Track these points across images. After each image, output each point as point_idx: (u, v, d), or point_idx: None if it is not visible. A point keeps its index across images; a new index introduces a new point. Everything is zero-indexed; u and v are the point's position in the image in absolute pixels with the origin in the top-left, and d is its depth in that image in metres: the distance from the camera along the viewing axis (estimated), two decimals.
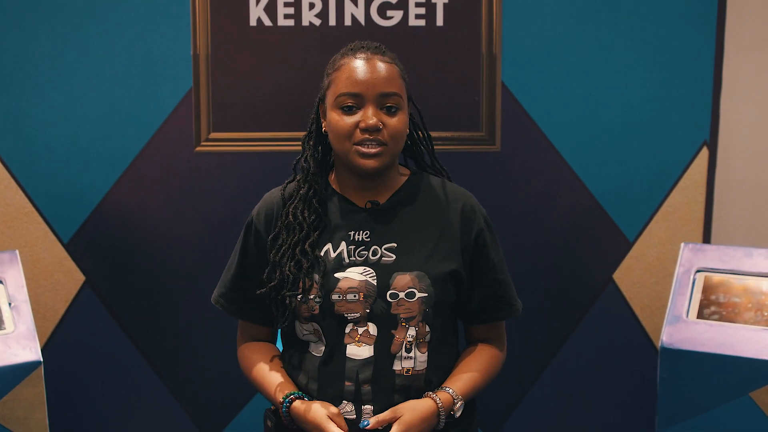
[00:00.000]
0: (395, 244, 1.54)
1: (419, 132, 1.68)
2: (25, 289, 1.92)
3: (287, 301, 1.54)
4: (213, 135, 2.15)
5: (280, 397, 1.53)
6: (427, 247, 1.55)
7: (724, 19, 2.14)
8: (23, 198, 2.17)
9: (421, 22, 2.10)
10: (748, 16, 2.18)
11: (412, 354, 1.52)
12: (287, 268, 1.53)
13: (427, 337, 1.53)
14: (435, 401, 1.50)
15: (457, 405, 1.52)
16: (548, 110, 2.16)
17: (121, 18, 2.10)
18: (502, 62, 2.13)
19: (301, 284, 1.52)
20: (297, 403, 1.51)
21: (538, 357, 2.27)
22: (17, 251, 2.01)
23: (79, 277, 2.21)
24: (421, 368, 1.53)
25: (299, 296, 1.52)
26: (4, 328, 1.83)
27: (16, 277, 1.94)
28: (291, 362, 1.60)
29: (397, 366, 1.51)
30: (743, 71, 2.20)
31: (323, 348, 1.53)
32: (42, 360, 1.78)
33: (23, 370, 1.76)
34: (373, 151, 1.50)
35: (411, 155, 1.70)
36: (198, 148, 2.15)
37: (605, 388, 2.28)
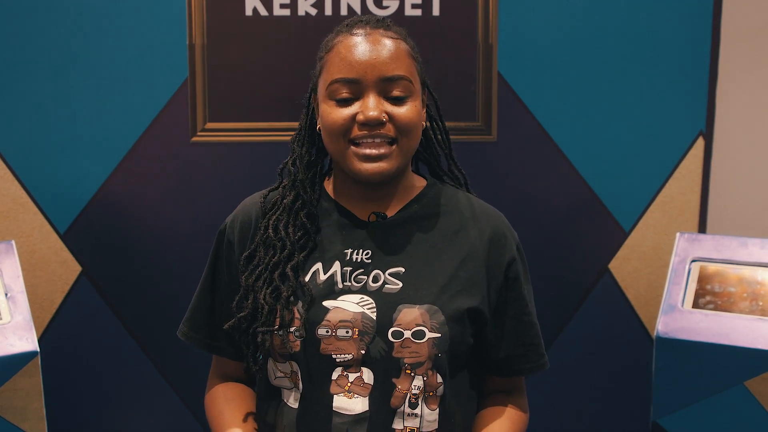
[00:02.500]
0: (402, 269, 1.22)
1: (435, 124, 1.37)
2: (21, 279, 1.92)
3: (259, 339, 1.21)
4: (209, 125, 2.14)
5: None
6: (443, 276, 1.22)
7: (720, 10, 2.13)
8: (19, 188, 2.16)
9: (418, 12, 2.10)
10: (745, 6, 2.18)
11: (418, 411, 1.19)
12: (262, 296, 1.20)
13: (439, 390, 1.20)
14: None
15: None
16: (544, 100, 2.15)
17: (116, 8, 2.09)
18: (498, 52, 2.13)
19: (278, 318, 1.20)
20: None
21: None
22: (13, 242, 2.01)
23: (76, 268, 2.21)
24: (430, 429, 1.21)
25: (276, 329, 1.19)
26: (1, 319, 1.83)
27: (12, 267, 1.94)
28: (264, 417, 1.27)
29: (398, 425, 1.19)
30: (739, 62, 2.20)
31: (300, 396, 1.21)
32: (39, 350, 1.79)
33: (20, 360, 1.76)
34: (376, 152, 1.19)
35: (424, 159, 1.37)
36: (194, 139, 2.15)
37: (601, 378, 2.29)
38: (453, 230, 1.27)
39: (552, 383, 2.29)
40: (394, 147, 1.20)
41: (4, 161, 2.15)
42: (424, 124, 1.31)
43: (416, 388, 1.19)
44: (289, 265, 1.22)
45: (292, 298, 1.20)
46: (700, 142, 2.19)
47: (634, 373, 2.26)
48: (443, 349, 1.19)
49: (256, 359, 1.24)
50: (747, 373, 1.75)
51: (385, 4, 2.09)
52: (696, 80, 2.16)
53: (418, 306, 1.19)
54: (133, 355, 2.25)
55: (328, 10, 2.09)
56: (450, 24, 2.11)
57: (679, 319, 1.84)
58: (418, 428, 1.19)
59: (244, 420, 1.28)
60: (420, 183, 1.33)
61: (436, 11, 2.10)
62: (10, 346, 1.77)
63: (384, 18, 1.26)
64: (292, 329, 1.19)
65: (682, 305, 1.87)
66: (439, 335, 1.18)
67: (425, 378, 1.19)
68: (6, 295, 1.88)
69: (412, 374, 1.18)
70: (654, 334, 1.85)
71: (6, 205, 2.17)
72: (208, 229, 2.17)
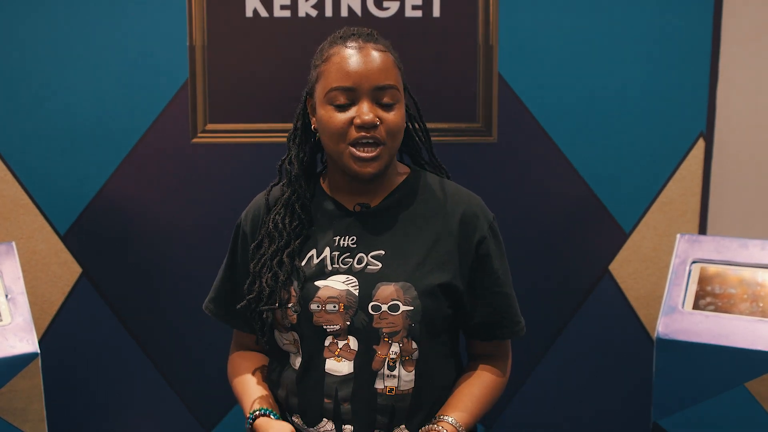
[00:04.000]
0: (383, 252, 1.40)
1: (416, 124, 1.53)
2: (21, 281, 1.92)
3: (264, 316, 1.42)
4: (209, 126, 2.14)
5: (247, 412, 1.44)
6: (417, 256, 1.40)
7: (720, 10, 2.13)
8: (19, 190, 2.16)
9: (418, 13, 2.10)
10: (745, 7, 2.18)
11: (396, 372, 1.38)
12: (265, 281, 1.41)
13: (414, 355, 1.39)
14: None
15: None
16: (545, 101, 2.15)
17: (116, 9, 2.09)
18: (498, 53, 2.13)
19: (277, 297, 1.41)
20: (260, 420, 1.40)
21: (534, 348, 2.27)
22: (14, 243, 2.01)
23: (76, 269, 2.21)
24: (407, 388, 1.40)
25: (276, 307, 1.41)
26: (1, 320, 1.83)
27: (12, 268, 1.94)
28: (271, 376, 1.50)
29: (379, 384, 1.38)
30: (740, 62, 2.20)
31: (301, 360, 1.42)
32: (39, 351, 1.78)
33: (20, 361, 1.76)
34: (370, 155, 1.36)
35: (407, 151, 1.55)
36: (194, 140, 2.15)
37: (601, 379, 2.29)
38: (428, 214, 1.44)
39: (553, 383, 2.29)
40: (382, 148, 1.37)
41: (5, 162, 2.15)
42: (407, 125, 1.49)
43: (393, 353, 1.38)
44: (285, 252, 1.42)
45: (288, 280, 1.41)
46: (701, 144, 2.19)
47: (635, 374, 2.26)
48: (416, 320, 1.37)
49: (264, 332, 1.44)
50: (747, 374, 1.75)
51: (385, 5, 2.09)
52: (696, 81, 2.16)
53: (393, 283, 1.37)
54: (134, 356, 2.25)
55: (329, 12, 2.09)
56: (450, 25, 2.11)
57: (679, 320, 1.84)
58: (396, 387, 1.39)
59: (257, 383, 1.50)
60: (404, 171, 1.50)
61: (436, 12, 2.10)
62: (11, 348, 1.76)
63: (371, 31, 1.43)
64: (289, 305, 1.40)
65: (683, 306, 1.87)
66: (411, 308, 1.37)
67: (401, 345, 1.38)
68: (6, 296, 1.88)
69: (390, 342, 1.38)
70: (654, 336, 1.85)
71: (6, 206, 2.17)
72: (208, 229, 2.18)
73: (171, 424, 2.30)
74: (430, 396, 1.43)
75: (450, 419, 1.39)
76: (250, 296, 1.43)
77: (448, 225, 1.43)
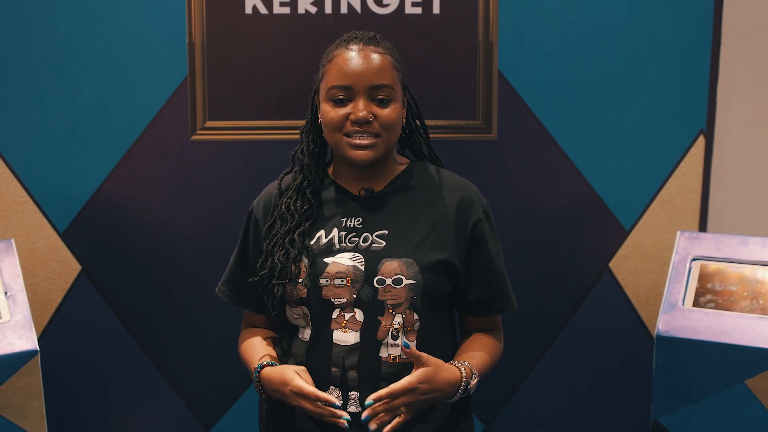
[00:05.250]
0: (386, 231, 1.54)
1: (416, 121, 1.67)
2: (20, 278, 1.92)
3: (275, 290, 1.55)
4: (209, 124, 2.14)
5: (253, 367, 1.55)
6: (418, 235, 1.53)
7: (721, 8, 2.13)
8: (18, 187, 2.16)
9: (418, 10, 2.10)
10: (745, 4, 2.18)
11: (399, 341, 1.50)
12: (277, 258, 1.54)
13: (416, 326, 1.52)
14: (460, 371, 1.48)
15: (474, 381, 1.50)
16: (545, 99, 2.15)
17: (115, 6, 2.08)
18: (498, 50, 2.13)
19: (289, 273, 1.53)
20: (266, 370, 1.52)
21: (534, 345, 2.27)
22: (13, 240, 2.01)
23: (75, 267, 2.21)
24: None
25: (287, 281, 1.53)
26: (0, 318, 1.83)
27: (11, 266, 1.94)
28: (282, 347, 1.61)
29: (383, 353, 1.50)
30: (740, 60, 2.19)
31: (310, 332, 1.53)
32: (38, 349, 1.78)
33: (20, 359, 1.76)
34: (365, 142, 1.50)
35: (408, 145, 1.68)
36: (194, 137, 2.15)
37: (601, 376, 2.29)
38: (428, 199, 1.58)
39: (552, 381, 2.29)
40: (378, 139, 1.51)
41: (4, 160, 2.15)
42: (403, 121, 1.61)
43: (397, 324, 1.50)
44: (296, 232, 1.55)
45: (298, 257, 1.53)
46: (701, 141, 2.19)
47: (635, 371, 2.26)
48: (417, 293, 1.50)
49: (274, 306, 1.56)
50: (747, 371, 1.75)
51: (385, 2, 2.09)
52: (697, 78, 2.15)
53: (397, 259, 1.51)
54: (133, 354, 2.25)
55: (328, 8, 2.09)
56: (450, 22, 2.10)
57: (679, 317, 1.83)
58: (399, 355, 1.50)
59: (264, 346, 1.62)
60: (404, 161, 1.64)
61: (436, 9, 2.10)
62: (10, 345, 1.76)
63: (375, 35, 1.56)
64: (300, 280, 1.52)
65: (683, 304, 1.87)
66: (414, 282, 1.50)
67: (404, 316, 1.50)
68: (5, 293, 1.88)
69: (393, 313, 1.50)
70: (654, 333, 1.85)
71: (5, 204, 2.17)
72: (207, 226, 2.18)
73: (170, 421, 2.29)
74: None
75: (468, 364, 1.50)
76: (263, 272, 1.56)
77: (446, 209, 1.57)
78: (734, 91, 2.20)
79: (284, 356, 1.59)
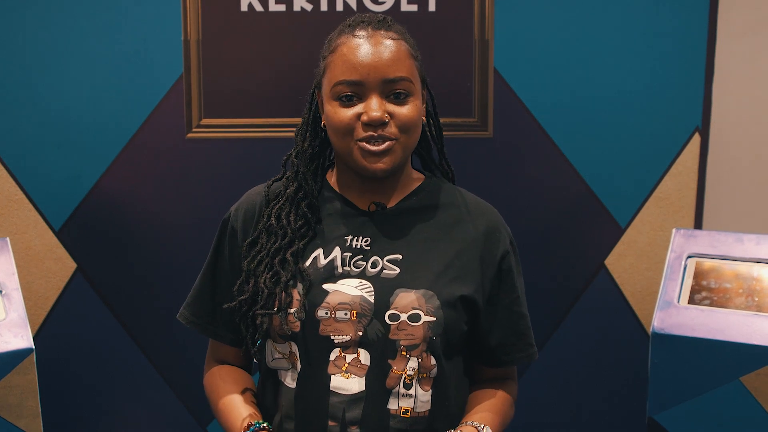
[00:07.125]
0: (400, 256, 1.27)
1: (430, 120, 1.42)
2: (16, 276, 1.91)
3: (258, 321, 1.26)
4: (204, 121, 2.14)
5: (241, 429, 1.27)
6: (439, 264, 1.27)
7: (716, 5, 2.13)
8: (13, 185, 2.16)
9: (413, 7, 2.09)
10: (740, 2, 2.18)
11: (412, 391, 1.24)
12: (262, 281, 1.26)
13: (433, 372, 1.26)
14: None
15: None
16: (541, 96, 2.15)
17: (111, 3, 2.08)
18: (494, 48, 2.13)
19: (277, 301, 1.25)
20: None
21: None
22: (8, 238, 2.00)
23: (71, 265, 2.21)
24: (423, 410, 1.26)
25: (275, 311, 1.25)
26: None
27: (6, 264, 1.93)
28: (264, 397, 1.33)
29: (392, 405, 1.23)
30: (736, 57, 2.20)
31: (297, 376, 1.25)
32: (34, 347, 1.78)
33: (15, 357, 1.75)
34: (381, 148, 1.23)
35: (416, 150, 1.41)
36: (189, 135, 2.14)
37: (597, 373, 2.29)
38: (450, 223, 1.32)
39: (548, 379, 2.29)
40: (395, 144, 1.25)
41: None
42: (423, 119, 1.35)
43: (411, 369, 1.23)
44: (289, 251, 1.27)
45: (291, 282, 1.25)
46: (697, 138, 2.19)
47: (630, 368, 2.26)
48: (438, 332, 1.23)
49: (254, 341, 1.28)
50: (743, 368, 1.75)
51: None
52: (692, 76, 2.16)
53: (414, 290, 1.24)
54: (129, 352, 2.24)
55: (324, 6, 2.09)
56: (446, 19, 2.10)
57: (675, 315, 1.84)
58: (412, 408, 1.24)
59: (246, 402, 1.33)
60: (418, 176, 1.39)
61: (432, 7, 2.09)
62: (5, 344, 1.76)
63: (385, 17, 1.29)
64: (291, 311, 1.24)
65: (678, 301, 1.87)
66: (434, 319, 1.23)
67: (420, 360, 1.23)
68: (0, 292, 1.87)
69: (408, 356, 1.23)
70: (650, 330, 1.85)
71: (0, 201, 2.16)
72: (203, 224, 2.17)
73: (166, 419, 2.29)
74: (446, 421, 1.29)
75: (479, 425, 1.25)
76: (242, 297, 1.28)
77: (472, 235, 1.32)
78: (730, 89, 2.20)
79: (269, 409, 1.31)
